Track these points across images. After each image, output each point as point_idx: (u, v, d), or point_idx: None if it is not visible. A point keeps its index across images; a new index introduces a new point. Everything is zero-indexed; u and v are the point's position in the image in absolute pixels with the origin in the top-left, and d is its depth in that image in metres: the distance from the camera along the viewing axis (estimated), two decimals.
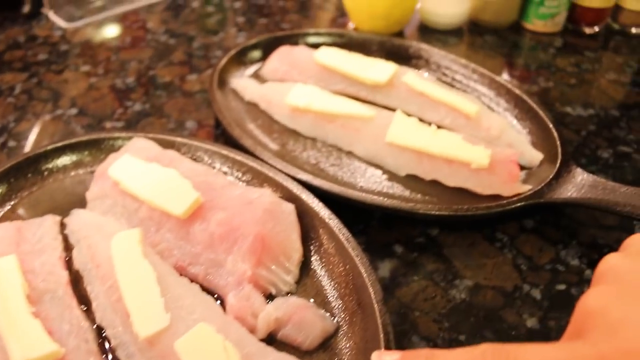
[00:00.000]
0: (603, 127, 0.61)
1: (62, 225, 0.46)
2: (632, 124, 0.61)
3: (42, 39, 0.76)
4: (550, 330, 0.41)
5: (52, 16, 0.80)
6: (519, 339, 0.40)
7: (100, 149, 0.52)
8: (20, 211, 0.48)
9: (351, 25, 0.78)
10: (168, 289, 0.39)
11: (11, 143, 0.58)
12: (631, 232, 0.49)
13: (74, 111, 0.62)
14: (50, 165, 0.51)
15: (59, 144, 0.52)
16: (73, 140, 0.52)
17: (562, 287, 0.44)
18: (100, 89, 0.66)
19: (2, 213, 0.48)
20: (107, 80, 0.67)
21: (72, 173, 0.52)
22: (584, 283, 0.44)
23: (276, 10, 0.82)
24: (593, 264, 0.46)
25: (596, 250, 0.47)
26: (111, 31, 0.78)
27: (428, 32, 0.77)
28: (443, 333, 0.40)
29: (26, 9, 0.81)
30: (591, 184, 0.48)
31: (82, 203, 0.48)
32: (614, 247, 0.47)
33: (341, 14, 0.81)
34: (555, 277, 0.45)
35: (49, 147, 0.52)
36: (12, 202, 0.49)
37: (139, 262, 0.40)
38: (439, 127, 0.55)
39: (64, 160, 0.52)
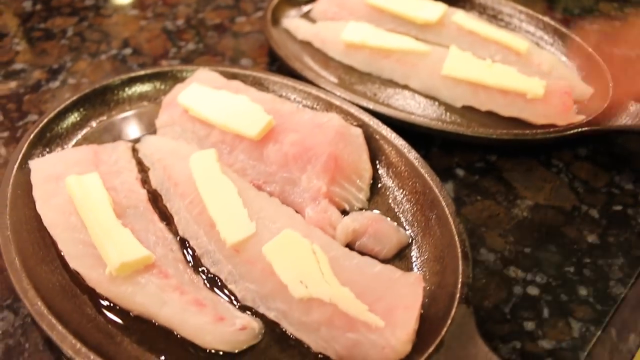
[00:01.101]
0: None
1: (134, 151, 0.49)
2: None
3: None
4: (610, 245, 0.43)
5: None
6: (581, 252, 0.42)
7: (165, 81, 0.54)
8: (93, 138, 0.50)
9: None
10: (249, 201, 0.41)
11: (71, 80, 0.60)
12: None
13: (128, 51, 0.64)
14: (117, 97, 0.53)
15: (124, 77, 0.54)
16: (140, 73, 0.54)
17: (618, 207, 0.46)
18: (151, 30, 0.67)
19: (75, 140, 0.50)
20: (157, 23, 0.68)
21: (138, 104, 0.53)
22: (639, 205, 0.46)
23: None
24: None
25: None
26: None
27: None
28: (509, 246, 0.42)
29: None
30: None
31: (150, 131, 0.50)
32: None
33: None
34: (612, 199, 0.47)
35: (116, 79, 0.53)
36: (84, 130, 0.51)
37: (219, 178, 0.42)
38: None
39: (130, 91, 0.54)
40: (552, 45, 0.61)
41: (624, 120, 0.49)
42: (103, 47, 0.65)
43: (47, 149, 0.48)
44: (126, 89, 0.54)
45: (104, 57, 0.63)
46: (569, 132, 0.48)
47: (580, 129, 0.48)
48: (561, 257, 0.42)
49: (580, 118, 0.51)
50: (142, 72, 0.54)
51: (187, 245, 0.41)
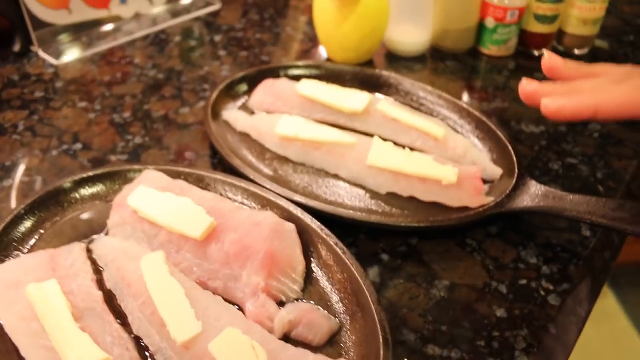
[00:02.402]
0: (552, 142, 0.69)
1: (88, 251, 0.53)
2: (577, 138, 0.70)
3: (36, 77, 0.81)
4: (516, 317, 0.49)
5: (42, 54, 0.86)
6: (490, 326, 0.48)
7: (114, 180, 0.59)
8: (48, 239, 0.54)
9: (323, 53, 0.85)
10: (196, 300, 0.45)
11: (24, 178, 0.64)
12: (578, 232, 0.58)
13: (78, 146, 0.68)
14: (69, 198, 0.57)
15: (76, 177, 0.58)
16: (90, 173, 0.58)
17: (523, 281, 0.52)
18: (100, 123, 0.72)
19: (31, 242, 0.54)
20: (105, 116, 0.73)
21: (90, 203, 0.58)
22: (541, 277, 0.53)
23: (254, 42, 0.89)
24: (548, 262, 0.54)
25: (550, 250, 0.55)
26: (101, 67, 0.83)
27: (395, 59, 0.85)
28: (428, 325, 0.48)
29: (17, 47, 0.86)
30: (543, 193, 0.56)
31: (102, 230, 0.55)
32: (565, 246, 0.56)
33: (314, 45, 0.89)
34: (518, 273, 0.53)
35: (68, 181, 0.58)
36: (39, 231, 0.55)
37: (167, 279, 0.47)
38: (411, 149, 0.64)
39: (82, 192, 0.58)
40: (466, 128, 0.68)
41: (526, 201, 0.56)
42: (54, 142, 0.69)
43: (4, 254, 0.52)
44: (78, 189, 0.58)
45: (55, 152, 0.67)
46: (476, 217, 0.55)
47: (487, 213, 0.55)
48: (473, 332, 0.48)
49: (490, 200, 0.57)
50: (92, 173, 0.59)
51: (142, 343, 0.45)
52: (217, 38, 0.91)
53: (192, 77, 0.81)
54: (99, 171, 0.59)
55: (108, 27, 0.92)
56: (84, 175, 0.58)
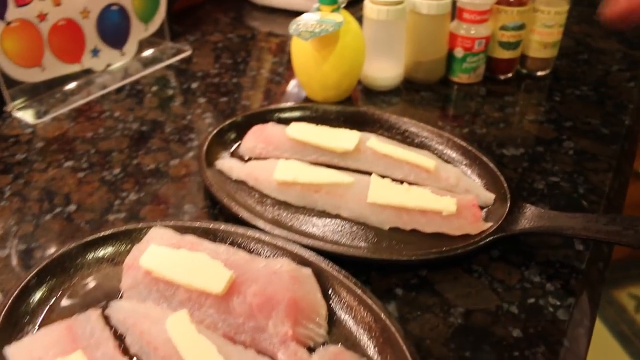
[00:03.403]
0: (534, 163, 0.73)
1: (105, 317, 0.52)
2: (555, 157, 0.74)
3: (14, 138, 0.80)
4: (531, 336, 0.51)
5: (17, 114, 0.85)
6: (510, 347, 0.50)
7: (120, 241, 0.59)
8: (59, 309, 0.53)
9: (301, 92, 0.87)
10: (229, 357, 0.46)
11: (20, 247, 0.63)
12: (572, 247, 0.61)
13: (72, 207, 0.68)
14: (75, 263, 0.57)
15: (80, 242, 0.58)
16: (94, 237, 0.58)
17: (532, 300, 0.55)
18: (90, 182, 0.71)
19: (43, 313, 0.53)
20: (95, 174, 0.73)
21: (98, 267, 0.57)
22: (547, 295, 0.55)
23: (232, 87, 0.91)
24: (551, 279, 0.57)
25: (551, 267, 0.58)
26: (81, 123, 0.83)
27: (371, 94, 0.88)
28: (452, 353, 0.50)
29: None
30: (538, 214, 0.59)
31: (115, 294, 0.55)
32: (563, 262, 0.59)
33: (292, 86, 0.91)
34: (525, 293, 0.55)
35: (71, 246, 0.57)
36: (50, 301, 0.54)
37: (197, 338, 0.47)
38: (405, 182, 0.66)
39: (88, 256, 0.58)
40: (454, 158, 0.71)
41: (524, 223, 0.59)
42: (46, 205, 0.68)
43: (17, 329, 0.51)
44: (85, 254, 0.57)
45: (49, 216, 0.66)
46: (480, 244, 0.57)
47: (488, 239, 0.58)
48: (496, 355, 0.50)
49: (489, 225, 0.60)
50: (96, 236, 0.58)
51: None
52: (194, 85, 0.92)
53: (176, 127, 0.81)
54: (105, 233, 0.59)
55: (81, 81, 0.92)
56: (90, 238, 0.58)
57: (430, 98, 0.87)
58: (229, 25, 1.14)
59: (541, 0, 0.88)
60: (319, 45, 0.77)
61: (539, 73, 0.94)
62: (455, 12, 0.88)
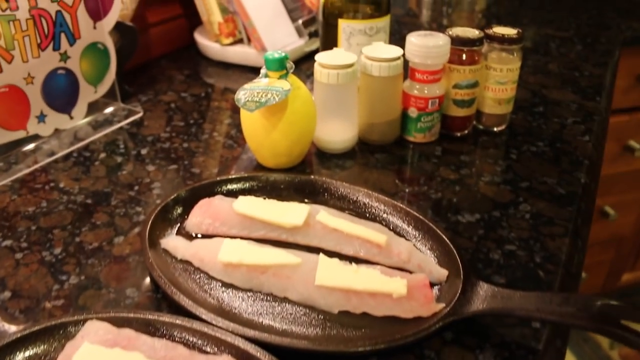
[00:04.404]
0: (489, 230, 0.71)
1: None
2: (511, 222, 0.73)
3: None
4: None
5: None
6: None
7: (54, 337, 0.55)
8: None
9: (254, 157, 0.85)
10: None
11: None
12: (529, 325, 0.59)
13: (7, 294, 0.64)
14: None
15: (10, 340, 0.54)
16: (25, 333, 0.55)
17: None
18: (29, 264, 0.68)
19: None
20: (34, 254, 0.69)
21: None
22: None
23: (182, 153, 0.88)
24: None
25: (506, 349, 0.56)
26: (23, 196, 0.80)
27: (325, 157, 0.86)
28: None
29: None
30: (492, 294, 0.57)
31: None
32: (520, 342, 0.57)
33: (244, 149, 0.89)
34: None
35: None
36: None
37: None
38: (356, 259, 0.64)
39: (19, 355, 0.54)
40: (406, 229, 0.69)
41: (477, 304, 0.57)
42: None
43: None
44: (13, 353, 0.54)
45: None
46: (432, 330, 0.55)
47: (440, 324, 0.55)
48: None
49: (441, 306, 0.58)
50: (27, 332, 0.55)
51: None
52: (144, 151, 0.89)
53: (123, 200, 0.78)
54: (34, 328, 0.55)
55: (26, 148, 0.89)
56: (19, 335, 0.54)
57: (385, 160, 0.85)
58: (184, 83, 1.12)
59: (493, 58, 0.88)
60: (267, 113, 0.75)
61: (496, 129, 0.93)
62: (408, 72, 0.87)
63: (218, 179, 0.75)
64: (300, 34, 1.16)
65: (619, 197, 1.90)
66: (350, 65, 0.80)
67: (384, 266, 0.63)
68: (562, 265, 0.67)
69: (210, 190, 0.74)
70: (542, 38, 1.41)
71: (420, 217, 0.68)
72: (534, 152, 0.89)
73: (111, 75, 0.98)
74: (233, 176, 0.76)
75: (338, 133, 0.84)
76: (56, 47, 0.88)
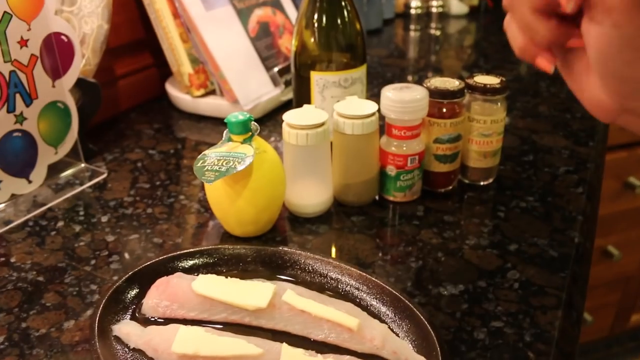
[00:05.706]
0: (474, 304, 0.65)
1: None
2: (498, 293, 0.67)
3: None
4: None
5: None
6: None
7: None
8: None
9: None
10: None
11: None
12: None
13: None
14: None
15: None
16: None
17: None
18: None
19: None
20: None
21: None
22: None
23: (145, 220, 0.82)
24: None
25: None
26: None
27: (298, 221, 0.80)
28: None
29: None
30: None
31: None
32: None
33: (211, 216, 0.83)
34: None
35: None
36: None
37: None
38: (325, 343, 0.57)
39: None
40: (381, 308, 0.63)
41: None
42: None
43: None
44: None
45: None
46: None
47: None
48: None
49: None
50: None
51: None
52: (104, 219, 0.83)
53: (77, 276, 0.72)
54: None
55: None
56: None
57: (363, 224, 0.79)
58: (152, 139, 1.07)
59: (476, 109, 0.83)
60: (230, 181, 0.69)
61: (482, 183, 0.88)
62: (385, 127, 0.81)
63: (177, 253, 0.69)
64: (275, 83, 1.11)
65: (622, 236, 1.83)
66: (321, 125, 0.74)
67: (355, 354, 0.57)
68: (554, 344, 0.61)
69: (168, 266, 0.68)
70: (531, 77, 1.37)
71: (397, 294, 0.62)
72: (523, 208, 0.83)
73: (73, 135, 0.93)
74: (193, 249, 0.69)
75: (311, 196, 0.78)
76: (10, 109, 0.83)
